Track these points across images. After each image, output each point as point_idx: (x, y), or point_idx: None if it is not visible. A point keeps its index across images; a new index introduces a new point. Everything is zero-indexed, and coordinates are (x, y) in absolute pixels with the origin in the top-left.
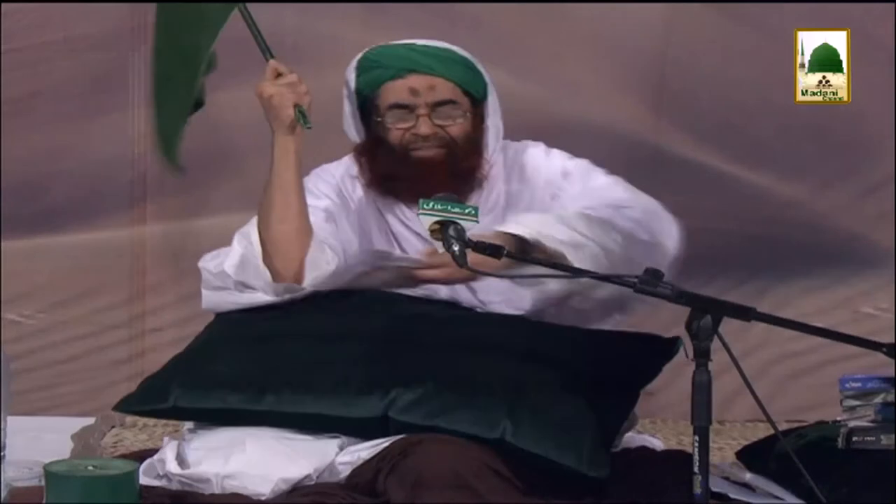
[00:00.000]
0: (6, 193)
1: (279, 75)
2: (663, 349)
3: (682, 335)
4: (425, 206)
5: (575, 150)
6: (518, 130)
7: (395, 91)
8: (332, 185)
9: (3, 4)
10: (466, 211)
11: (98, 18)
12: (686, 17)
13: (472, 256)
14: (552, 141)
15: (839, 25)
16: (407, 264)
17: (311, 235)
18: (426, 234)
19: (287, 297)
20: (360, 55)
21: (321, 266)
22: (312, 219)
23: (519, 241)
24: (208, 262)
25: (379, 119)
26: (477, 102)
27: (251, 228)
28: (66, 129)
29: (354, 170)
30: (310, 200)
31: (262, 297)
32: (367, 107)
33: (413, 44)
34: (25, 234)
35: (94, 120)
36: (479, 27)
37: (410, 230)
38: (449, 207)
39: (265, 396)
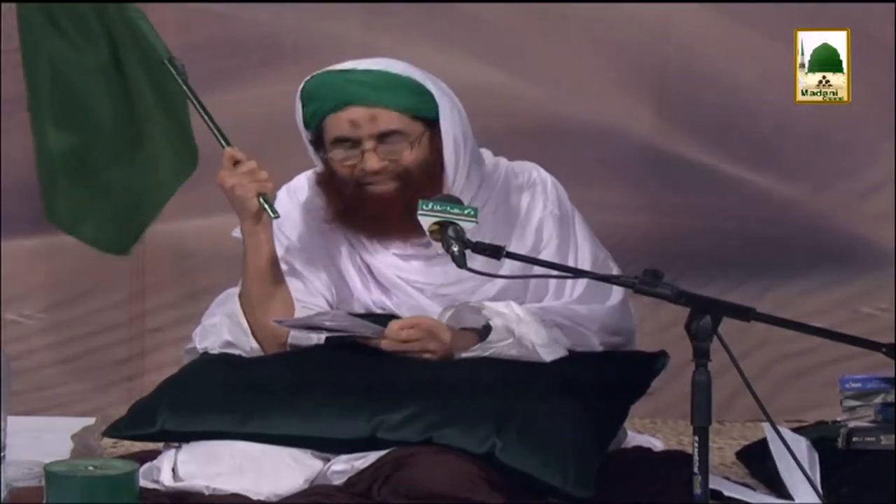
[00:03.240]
0: (6, 193)
1: (237, 163)
2: (649, 365)
3: (681, 335)
4: (425, 207)
5: (575, 150)
6: (518, 130)
7: (337, 124)
8: (295, 218)
9: (3, 4)
10: (466, 212)
11: None
12: (686, 17)
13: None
14: (552, 141)
15: (839, 25)
16: (370, 335)
17: (293, 310)
18: (391, 270)
19: None
20: (301, 85)
21: (308, 339)
22: (291, 283)
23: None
24: (199, 342)
25: (325, 154)
26: (432, 123)
27: (235, 307)
28: None
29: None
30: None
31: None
32: (319, 137)
33: (352, 70)
34: (25, 234)
35: None
36: (479, 27)
37: (377, 258)
38: (448, 208)
39: (251, 420)
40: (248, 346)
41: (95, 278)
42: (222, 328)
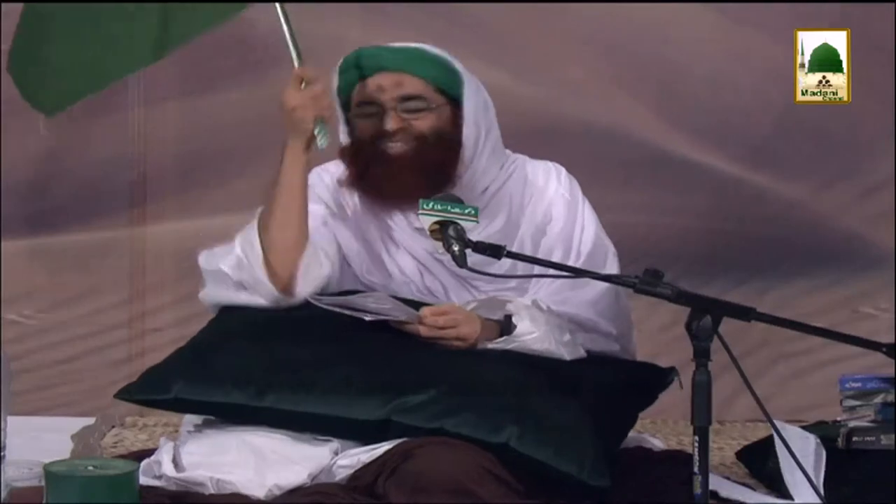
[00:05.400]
0: (6, 193)
1: (304, 83)
2: (659, 378)
3: (682, 335)
4: (425, 206)
5: (575, 150)
6: (518, 130)
7: (365, 89)
8: (329, 188)
9: (3, 4)
10: (466, 211)
11: None
12: (686, 17)
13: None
14: (552, 141)
15: (839, 25)
16: (406, 319)
17: (307, 241)
18: (416, 244)
19: (282, 305)
20: (341, 59)
21: (314, 271)
22: (310, 222)
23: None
24: (205, 259)
25: (349, 114)
26: (456, 102)
27: (252, 232)
28: (66, 129)
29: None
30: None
31: (258, 299)
32: (348, 108)
33: (388, 45)
34: (25, 234)
35: (94, 120)
36: (479, 27)
37: (406, 234)
38: (449, 208)
39: (268, 394)
40: (257, 259)
41: (95, 278)
42: (234, 244)
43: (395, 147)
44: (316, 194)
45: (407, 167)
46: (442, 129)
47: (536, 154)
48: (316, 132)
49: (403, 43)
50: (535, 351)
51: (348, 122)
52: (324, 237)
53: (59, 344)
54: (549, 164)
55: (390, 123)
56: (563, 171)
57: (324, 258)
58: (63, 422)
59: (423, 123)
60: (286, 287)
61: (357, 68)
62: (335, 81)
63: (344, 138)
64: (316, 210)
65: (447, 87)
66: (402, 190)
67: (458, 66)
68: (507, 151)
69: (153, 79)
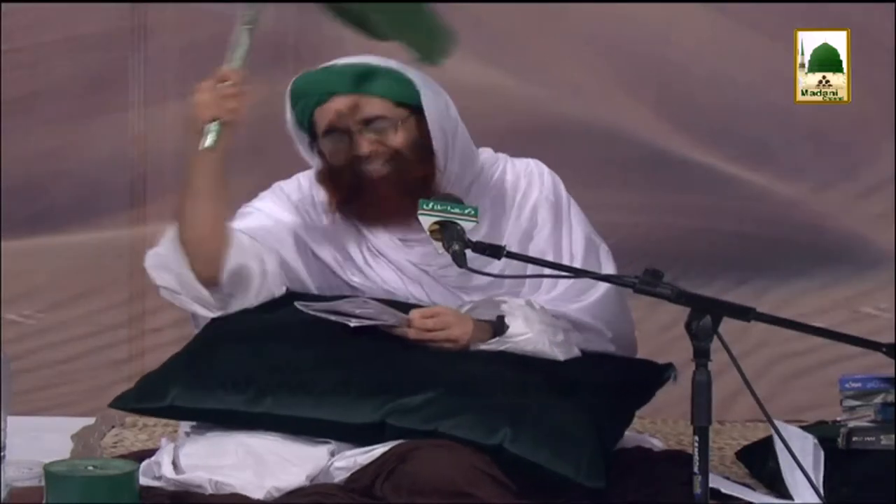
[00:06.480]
0: (6, 193)
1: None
2: (656, 375)
3: (682, 335)
4: (425, 207)
5: (575, 150)
6: (518, 130)
7: (324, 116)
8: (304, 198)
9: (3, 4)
10: (466, 211)
11: (98, 18)
12: (686, 17)
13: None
14: (552, 141)
15: (839, 25)
16: (394, 323)
17: (225, 238)
18: (399, 255)
19: (218, 313)
20: (288, 87)
21: (237, 259)
22: (260, 222)
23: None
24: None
25: (319, 147)
26: (418, 109)
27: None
28: (66, 129)
29: (318, 191)
30: (270, 207)
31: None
32: (314, 135)
33: (332, 64)
34: (25, 234)
35: (94, 120)
36: (479, 27)
37: (388, 245)
38: (448, 208)
39: (263, 399)
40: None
41: (95, 278)
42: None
43: (376, 169)
44: (291, 203)
45: (390, 188)
46: (413, 142)
47: (536, 154)
48: (209, 131)
49: (349, 59)
50: (527, 352)
51: (319, 151)
52: (263, 238)
53: (59, 344)
54: (531, 163)
55: (361, 147)
56: (546, 169)
57: (254, 264)
58: (63, 422)
59: (395, 140)
60: (208, 279)
61: (305, 97)
62: (288, 113)
63: (315, 163)
64: (278, 215)
65: (405, 98)
66: (387, 211)
67: (410, 74)
68: (489, 150)
69: (153, 79)
